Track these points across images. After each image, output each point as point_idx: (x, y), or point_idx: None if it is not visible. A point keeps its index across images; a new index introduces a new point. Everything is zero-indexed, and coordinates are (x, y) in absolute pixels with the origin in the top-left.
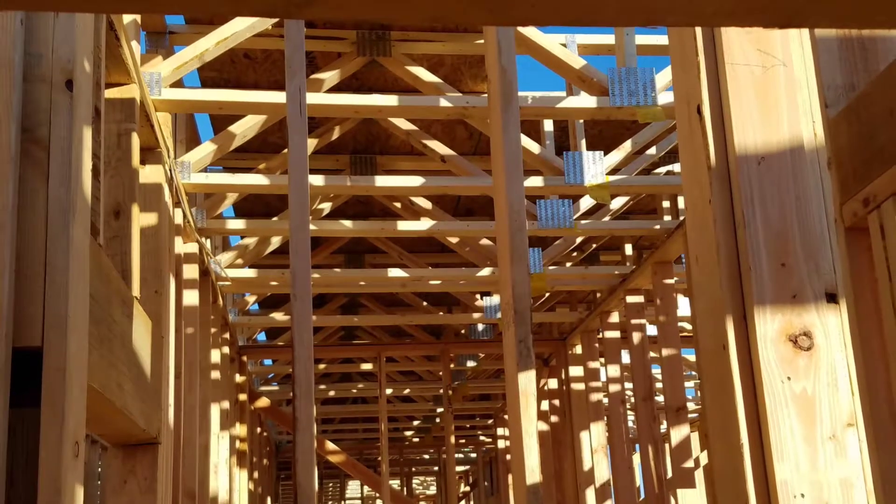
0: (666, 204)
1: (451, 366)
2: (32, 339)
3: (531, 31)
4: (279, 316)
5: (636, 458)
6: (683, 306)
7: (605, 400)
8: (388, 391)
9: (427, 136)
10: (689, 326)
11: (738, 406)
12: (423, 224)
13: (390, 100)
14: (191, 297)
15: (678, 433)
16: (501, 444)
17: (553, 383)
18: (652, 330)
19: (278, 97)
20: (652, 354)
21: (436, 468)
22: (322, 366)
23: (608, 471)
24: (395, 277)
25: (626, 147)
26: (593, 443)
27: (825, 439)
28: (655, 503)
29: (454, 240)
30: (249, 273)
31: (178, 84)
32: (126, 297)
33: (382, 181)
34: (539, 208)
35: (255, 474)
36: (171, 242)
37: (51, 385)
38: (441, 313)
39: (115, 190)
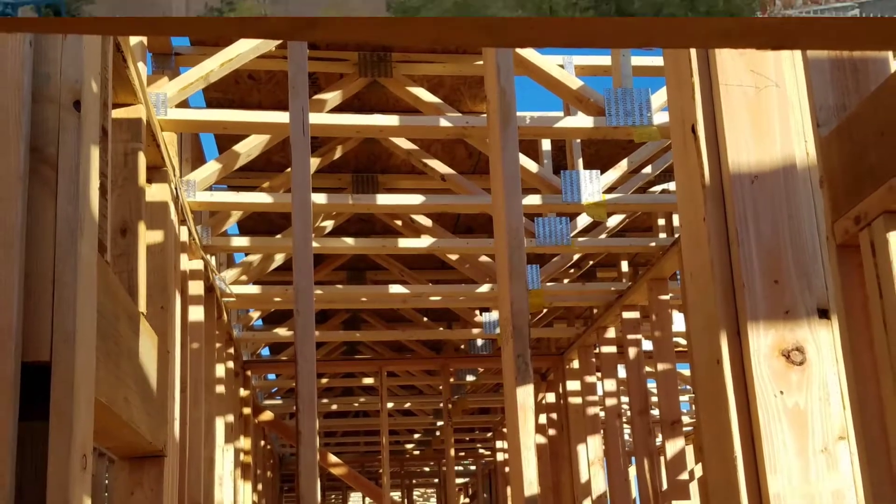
0: (661, 222)
1: (451, 380)
2: (41, 353)
3: (529, 53)
4: (283, 331)
5: (632, 471)
6: (678, 322)
7: (602, 414)
8: (390, 405)
9: (427, 156)
10: (683, 342)
11: (731, 419)
12: (424, 241)
13: (391, 120)
14: (196, 313)
15: (673, 446)
16: (500, 456)
17: (551, 397)
18: (648, 345)
19: (282, 117)
20: (647, 369)
21: (436, 480)
22: (324, 380)
23: (605, 483)
24: (396, 294)
25: (623, 166)
26: (590, 456)
27: (817, 452)
28: None
29: (454, 257)
30: (253, 289)
31: (184, 104)
32: (133, 313)
33: (384, 199)
34: (537, 226)
35: (259, 486)
36: (176, 259)
37: (59, 399)
38: (441, 329)
39: (122, 208)
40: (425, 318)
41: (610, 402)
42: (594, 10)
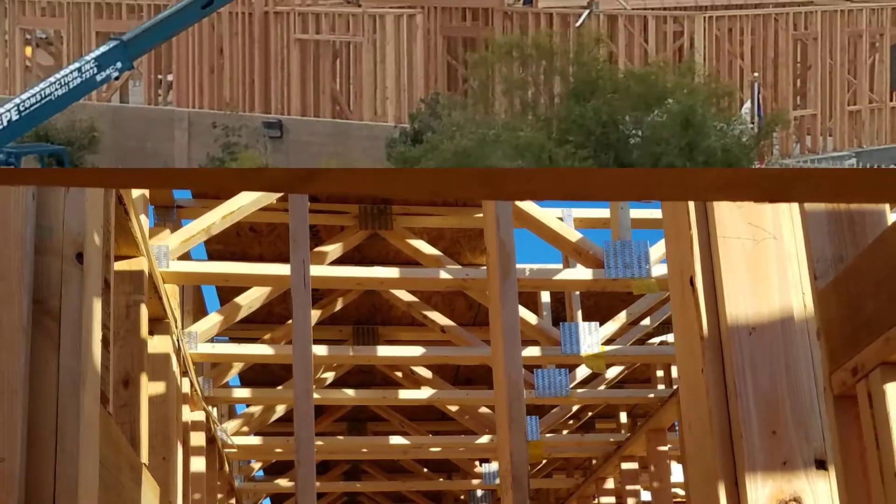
0: (660, 373)
1: None
2: None
3: (529, 206)
4: (284, 482)
5: None
6: (677, 473)
7: None
8: None
9: (427, 307)
10: (682, 492)
11: None
12: (424, 393)
13: (391, 272)
14: (198, 464)
15: None
16: None
17: None
18: (646, 496)
19: (283, 269)
20: None
21: None
22: None
23: None
24: (397, 445)
25: (621, 318)
26: None
27: None
28: None
29: (454, 408)
30: (255, 440)
31: (186, 256)
32: (135, 464)
33: (384, 351)
34: (536, 377)
35: None
36: (178, 411)
37: None
38: (441, 479)
39: (125, 360)
40: (425, 469)
41: None
42: (593, 159)
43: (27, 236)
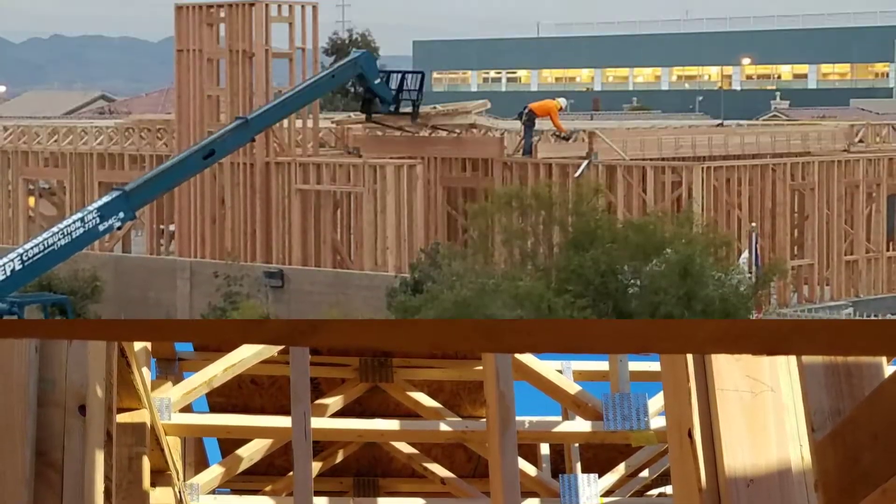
0: None
1: None
2: None
3: (528, 358)
4: None
5: None
6: None
7: None
8: None
9: (428, 459)
10: None
11: None
12: None
13: (392, 424)
14: None
15: None
16: None
17: None
18: None
19: (284, 422)
20: None
21: None
22: None
23: None
24: None
25: (620, 470)
26: None
27: None
28: None
29: None
30: None
31: (188, 409)
32: None
33: (385, 503)
34: None
35: None
36: None
37: None
38: None
39: None
40: None
41: None
42: (592, 308)
43: (30, 388)
